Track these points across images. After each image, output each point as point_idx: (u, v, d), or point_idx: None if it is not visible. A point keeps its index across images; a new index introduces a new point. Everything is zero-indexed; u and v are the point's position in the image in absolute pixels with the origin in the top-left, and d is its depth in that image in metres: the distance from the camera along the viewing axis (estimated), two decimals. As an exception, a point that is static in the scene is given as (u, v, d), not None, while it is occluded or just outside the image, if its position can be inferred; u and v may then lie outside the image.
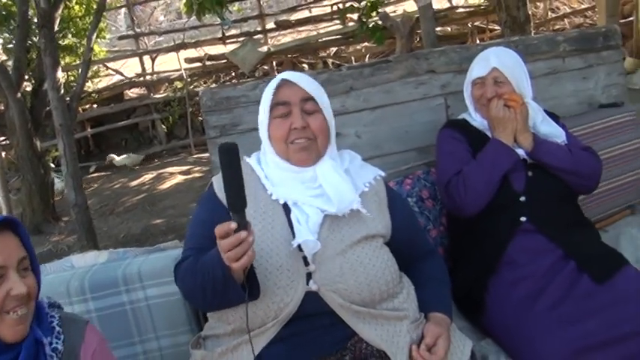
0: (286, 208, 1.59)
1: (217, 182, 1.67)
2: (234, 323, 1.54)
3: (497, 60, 2.10)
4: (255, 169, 1.67)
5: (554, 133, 2.12)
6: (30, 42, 6.54)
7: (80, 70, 5.82)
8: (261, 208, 1.58)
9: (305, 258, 1.52)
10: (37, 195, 6.05)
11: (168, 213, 6.36)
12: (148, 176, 8.58)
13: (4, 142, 8.25)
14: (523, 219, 1.99)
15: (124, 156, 9.07)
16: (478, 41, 9.14)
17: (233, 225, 1.30)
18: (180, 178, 7.98)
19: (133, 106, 10.49)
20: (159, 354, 2.05)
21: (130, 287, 2.04)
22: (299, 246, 1.50)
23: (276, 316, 1.48)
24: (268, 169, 1.65)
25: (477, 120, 2.19)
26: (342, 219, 1.58)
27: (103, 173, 9.29)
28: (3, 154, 8.90)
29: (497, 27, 8.78)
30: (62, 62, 9.30)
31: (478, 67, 2.15)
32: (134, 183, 8.35)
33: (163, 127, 10.36)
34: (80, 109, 10.15)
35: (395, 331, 1.52)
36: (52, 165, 6.94)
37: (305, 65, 10.68)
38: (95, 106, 10.40)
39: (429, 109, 2.57)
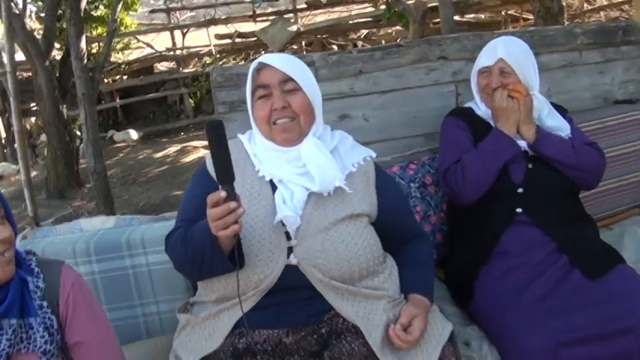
0: (273, 186, 1.64)
1: (209, 159, 1.73)
2: (217, 292, 1.61)
3: (504, 50, 2.09)
4: (246, 147, 1.72)
5: (559, 126, 2.11)
6: (60, 11, 6.67)
7: (105, 41, 5.89)
8: (248, 184, 1.63)
9: (288, 233, 1.57)
10: (62, 161, 6.22)
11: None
12: (172, 149, 8.73)
13: (34, 108, 8.44)
14: (519, 210, 2.00)
15: (123, 132, 9.19)
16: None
17: (223, 194, 1.36)
18: (203, 152, 8.10)
19: (163, 79, 10.64)
20: (157, 317, 2.13)
21: (133, 252, 2.11)
22: (282, 222, 1.55)
23: (257, 286, 1.53)
24: (256, 148, 1.70)
25: (482, 109, 2.19)
26: (327, 197, 1.62)
27: (129, 143, 9.46)
28: (33, 119, 9.17)
29: (531, 16, 8.64)
30: (94, 33, 9.49)
31: (485, 57, 2.14)
32: (158, 155, 8.50)
33: (191, 101, 10.47)
34: (110, 79, 10.35)
35: (372, 309, 1.56)
36: (78, 133, 7.09)
37: (334, 46, 10.66)
38: (125, 77, 10.54)
39: (439, 96, 2.57)
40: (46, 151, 6.54)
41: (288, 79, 1.64)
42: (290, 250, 1.56)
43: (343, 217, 1.60)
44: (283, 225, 1.56)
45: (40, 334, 1.38)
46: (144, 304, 2.13)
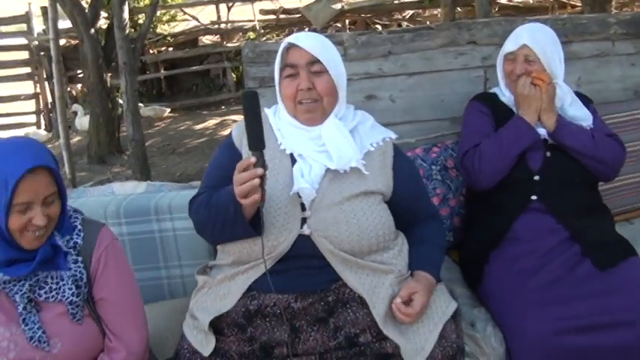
0: (293, 159, 1.71)
1: (236, 131, 1.82)
2: (233, 255, 1.70)
3: (529, 37, 2.09)
4: (270, 120, 1.80)
5: (581, 116, 2.11)
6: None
7: (148, 12, 6.00)
8: (269, 156, 1.70)
9: (303, 205, 1.65)
10: (104, 128, 6.41)
11: (224, 158, 6.57)
12: (212, 121, 8.88)
13: (80, 75, 8.66)
14: (534, 197, 2.01)
15: (150, 107, 9.27)
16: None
17: (252, 159, 1.45)
18: (241, 126, 8.17)
19: (207, 52, 10.76)
20: (180, 280, 2.24)
21: (161, 217, 2.22)
22: (299, 193, 1.63)
23: (270, 252, 1.61)
24: (280, 123, 1.78)
25: (506, 95, 2.20)
26: (344, 174, 1.68)
27: (171, 114, 9.66)
28: (79, 86, 9.43)
29: (579, 3, 8.41)
30: (141, 3, 9.65)
31: (510, 43, 2.15)
32: (198, 126, 8.66)
33: (233, 75, 10.57)
34: (156, 51, 10.52)
35: (378, 283, 1.62)
36: (121, 101, 7.29)
37: (378, 26, 10.59)
38: (170, 49, 10.71)
39: (467, 80, 2.58)
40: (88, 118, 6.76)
41: (316, 61, 1.70)
42: (304, 220, 1.64)
43: (357, 193, 1.67)
44: (299, 197, 1.64)
45: (69, 286, 1.50)
46: (168, 266, 2.24)
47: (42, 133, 8.68)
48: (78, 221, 1.58)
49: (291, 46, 1.73)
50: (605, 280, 1.84)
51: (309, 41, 1.71)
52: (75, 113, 7.79)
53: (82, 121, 7.49)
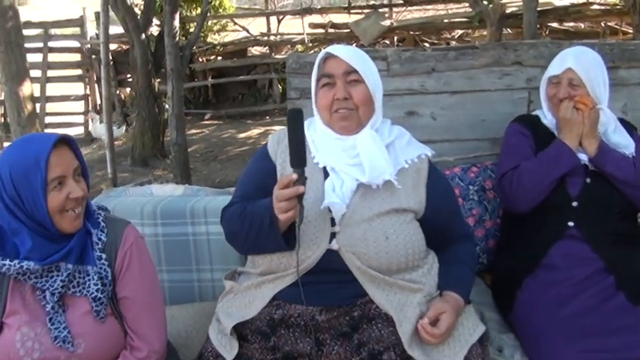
0: (325, 173, 1.71)
1: (272, 141, 1.83)
2: (262, 266, 1.71)
3: (574, 60, 2.05)
4: (305, 133, 1.79)
5: (624, 143, 2.05)
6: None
7: (198, 21, 6.12)
8: None
9: (333, 219, 1.64)
10: (149, 131, 6.55)
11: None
12: (255, 130, 8.97)
13: (129, 79, 8.88)
14: (570, 224, 1.97)
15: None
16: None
17: (294, 176, 1.47)
18: (284, 137, 8.23)
19: (254, 63, 10.89)
20: (211, 284, 2.27)
21: (196, 220, 2.26)
22: (329, 208, 1.62)
23: (298, 265, 1.60)
24: (315, 135, 1.77)
25: (548, 118, 2.16)
26: (376, 190, 1.67)
27: (215, 122, 9.82)
28: (128, 89, 9.67)
29: (630, 30, 8.22)
30: (193, 13, 9.85)
31: (555, 66, 2.11)
32: (242, 135, 8.76)
33: (280, 87, 10.67)
34: (205, 59, 10.72)
35: (406, 301, 1.60)
36: (167, 106, 7.44)
37: (427, 44, 10.55)
38: (219, 58, 10.89)
39: (510, 101, 2.55)
40: (135, 121, 6.92)
41: (352, 71, 1.70)
42: (333, 235, 1.63)
43: (388, 210, 1.65)
44: (330, 211, 1.63)
45: (94, 281, 1.53)
46: (200, 269, 2.27)
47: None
48: (101, 218, 1.61)
49: (328, 57, 1.74)
50: (639, 315, 1.78)
51: (346, 52, 1.72)
52: (91, 120, 7.93)
53: (96, 129, 7.64)
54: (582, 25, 9.57)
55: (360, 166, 1.67)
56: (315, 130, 1.79)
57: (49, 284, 1.49)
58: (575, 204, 1.99)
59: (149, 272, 1.65)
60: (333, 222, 1.64)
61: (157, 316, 1.63)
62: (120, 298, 1.58)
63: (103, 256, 1.56)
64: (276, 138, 1.83)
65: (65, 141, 1.49)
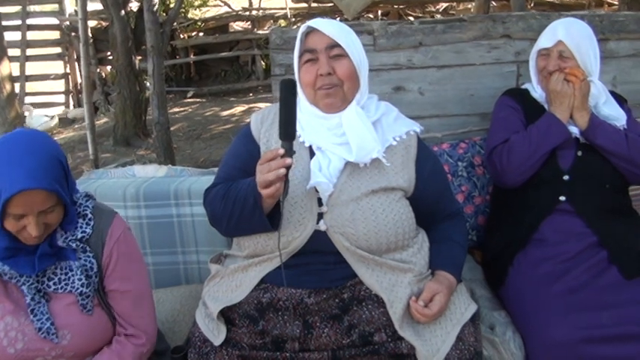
0: (312, 152, 1.66)
1: (255, 120, 1.78)
2: (248, 249, 1.67)
3: (564, 32, 2.01)
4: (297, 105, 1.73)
5: (615, 116, 2.02)
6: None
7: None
8: None
9: (320, 200, 1.59)
10: (131, 110, 6.43)
11: (248, 145, 6.57)
12: (239, 108, 8.86)
13: (110, 57, 8.71)
14: (562, 198, 1.95)
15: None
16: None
17: (281, 151, 1.41)
18: (268, 114, 8.15)
19: (236, 39, 10.75)
20: (197, 266, 2.23)
21: (180, 202, 2.20)
22: (316, 188, 1.58)
23: (285, 247, 1.56)
24: (300, 114, 1.70)
25: (538, 92, 2.12)
26: (364, 168, 1.63)
27: (198, 100, 9.69)
28: (109, 67, 9.50)
29: (615, 1, 8.19)
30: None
31: (545, 38, 2.07)
32: (225, 113, 8.65)
33: (263, 63, 10.55)
34: (186, 35, 10.55)
35: (396, 281, 1.57)
36: (148, 84, 7.30)
37: (411, 18, 10.46)
38: (201, 34, 10.73)
39: (498, 75, 2.51)
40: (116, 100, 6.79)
41: (335, 45, 1.64)
42: (320, 216, 1.59)
43: (377, 188, 1.61)
44: (317, 191, 1.59)
45: (78, 276, 1.48)
46: (185, 252, 2.22)
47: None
48: (89, 210, 1.54)
49: (310, 31, 1.68)
50: (632, 290, 1.77)
51: (329, 25, 1.66)
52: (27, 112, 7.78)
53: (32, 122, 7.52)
54: (567, -3, 9.52)
55: (347, 145, 1.62)
56: (300, 108, 1.73)
57: (24, 280, 1.44)
58: (566, 178, 1.96)
59: (137, 265, 1.60)
60: (320, 202, 1.60)
61: (147, 305, 1.60)
62: (108, 291, 1.54)
63: (88, 248, 1.51)
64: (259, 117, 1.77)
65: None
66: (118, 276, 1.54)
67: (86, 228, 1.51)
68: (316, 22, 1.67)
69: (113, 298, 1.54)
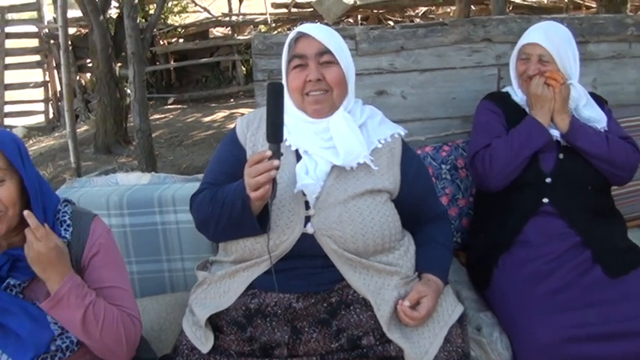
0: (298, 156, 1.66)
1: (240, 125, 1.77)
2: (235, 254, 1.66)
3: (543, 36, 2.03)
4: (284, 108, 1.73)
5: (596, 117, 2.05)
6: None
7: (157, 2, 5.95)
8: None
9: (307, 203, 1.60)
10: (111, 117, 6.39)
11: (231, 151, 6.55)
12: (220, 114, 8.83)
13: (90, 65, 8.65)
14: (545, 200, 1.97)
15: None
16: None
17: (268, 153, 1.41)
18: (249, 120, 8.14)
19: (217, 44, 10.73)
20: (182, 274, 2.21)
21: (164, 209, 2.19)
22: (303, 191, 1.58)
23: (272, 251, 1.56)
24: (287, 118, 1.70)
25: (518, 95, 2.15)
26: (350, 171, 1.64)
27: (179, 106, 9.64)
28: (89, 75, 9.43)
29: (594, 4, 8.32)
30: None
31: (524, 42, 2.09)
32: (206, 119, 8.62)
33: (243, 68, 10.54)
34: (166, 42, 10.51)
35: (383, 284, 1.58)
36: (129, 91, 7.26)
37: (391, 22, 10.52)
38: (181, 40, 10.69)
39: (480, 79, 2.53)
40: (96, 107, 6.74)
41: (326, 51, 1.65)
42: (307, 219, 1.59)
43: (363, 191, 1.62)
44: (304, 195, 1.59)
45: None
46: (170, 259, 2.21)
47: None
48: (67, 215, 1.52)
49: (300, 37, 1.68)
50: (616, 288, 1.80)
51: (319, 31, 1.66)
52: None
53: None
54: (545, 1, 9.65)
55: (333, 149, 1.63)
56: (287, 112, 1.73)
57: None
58: (548, 180, 1.99)
59: (117, 263, 1.59)
60: (307, 205, 1.60)
61: (130, 294, 1.58)
62: (95, 288, 1.50)
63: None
64: (245, 122, 1.77)
65: None
66: (97, 273, 1.51)
67: (65, 234, 1.49)
68: (306, 28, 1.67)
69: (99, 293, 1.50)
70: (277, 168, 1.42)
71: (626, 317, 1.72)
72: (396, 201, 1.69)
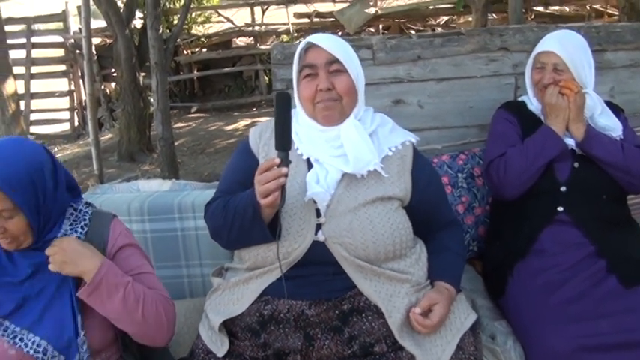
0: (310, 165, 1.69)
1: (253, 135, 1.81)
2: (248, 261, 1.69)
3: (558, 45, 2.04)
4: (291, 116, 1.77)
5: (611, 126, 2.05)
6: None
7: (181, 13, 6.06)
8: None
9: (318, 211, 1.62)
10: (135, 126, 6.50)
11: (252, 159, 6.60)
12: (242, 122, 8.92)
13: (114, 74, 8.80)
14: (560, 209, 1.97)
15: None
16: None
17: (277, 161, 1.45)
18: (271, 129, 8.19)
19: (240, 54, 10.84)
20: (201, 280, 2.25)
21: (184, 216, 2.23)
22: (314, 199, 1.60)
23: (284, 258, 1.59)
24: (298, 127, 1.74)
25: (534, 104, 2.15)
26: (361, 179, 1.66)
27: (202, 115, 9.76)
28: (114, 84, 9.58)
29: (615, 12, 8.23)
30: (177, 5, 9.76)
31: (539, 51, 2.10)
32: (229, 127, 8.71)
33: (266, 78, 10.62)
34: (189, 52, 10.64)
35: (394, 291, 1.59)
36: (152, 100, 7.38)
37: (412, 32, 10.53)
38: (204, 50, 10.82)
39: (497, 88, 2.54)
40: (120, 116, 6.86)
41: (335, 61, 1.68)
42: (319, 226, 1.61)
43: (374, 199, 1.63)
44: (314, 202, 1.62)
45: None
46: (189, 265, 2.25)
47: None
48: (87, 216, 1.59)
49: (309, 47, 1.71)
50: (630, 298, 1.78)
51: (328, 41, 1.70)
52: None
53: None
54: (567, 9, 9.58)
55: (344, 157, 1.65)
56: (299, 121, 1.76)
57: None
58: (563, 189, 1.99)
59: (142, 253, 1.65)
60: (318, 213, 1.62)
61: (159, 280, 1.65)
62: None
63: None
64: (258, 131, 1.81)
65: None
66: (129, 265, 1.57)
67: (80, 234, 1.55)
68: (315, 38, 1.71)
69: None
70: (286, 175, 1.45)
71: (638, 327, 1.71)
72: (407, 208, 1.70)
